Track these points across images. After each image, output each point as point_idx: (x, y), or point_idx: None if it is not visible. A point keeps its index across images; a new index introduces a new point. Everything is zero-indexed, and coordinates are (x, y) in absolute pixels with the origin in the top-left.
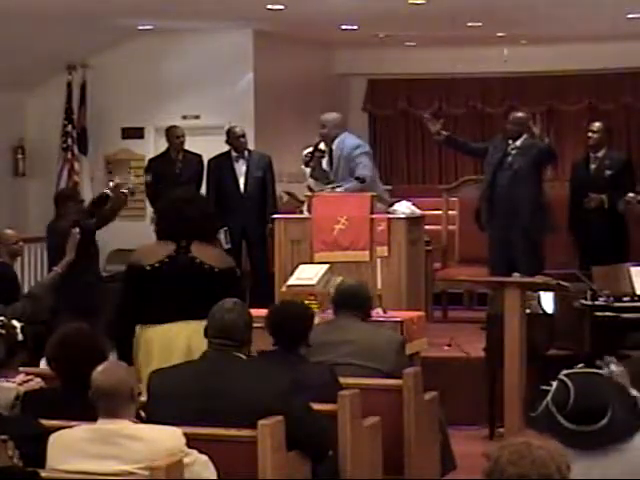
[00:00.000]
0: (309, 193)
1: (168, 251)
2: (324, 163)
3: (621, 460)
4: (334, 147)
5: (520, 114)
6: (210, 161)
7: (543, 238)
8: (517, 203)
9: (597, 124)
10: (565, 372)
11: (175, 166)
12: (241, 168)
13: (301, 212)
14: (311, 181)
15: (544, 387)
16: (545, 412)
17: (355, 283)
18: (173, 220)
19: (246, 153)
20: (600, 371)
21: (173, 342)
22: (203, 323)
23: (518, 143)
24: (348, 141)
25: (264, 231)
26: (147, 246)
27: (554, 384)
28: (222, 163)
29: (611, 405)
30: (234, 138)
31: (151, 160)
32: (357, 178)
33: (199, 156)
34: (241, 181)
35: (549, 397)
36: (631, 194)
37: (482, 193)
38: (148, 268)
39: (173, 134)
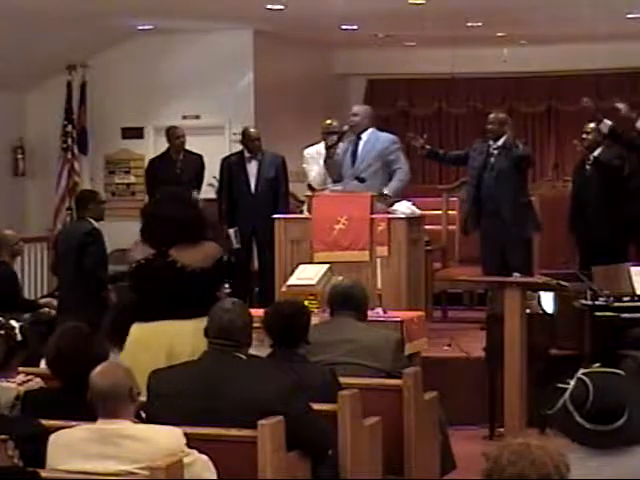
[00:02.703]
0: (309, 193)
1: (145, 253)
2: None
3: (634, 461)
4: (364, 137)
5: (499, 114)
6: (223, 160)
7: (530, 236)
8: (500, 203)
9: (591, 125)
10: (584, 371)
11: (175, 166)
12: (253, 169)
13: (301, 212)
14: (312, 180)
15: (561, 385)
16: (562, 410)
17: (350, 284)
18: (150, 227)
19: (259, 153)
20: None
21: (153, 341)
22: (188, 323)
23: (500, 143)
24: (384, 134)
25: (274, 231)
26: (138, 242)
27: (572, 382)
28: (234, 163)
29: (629, 406)
30: (249, 140)
31: (152, 160)
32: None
33: (200, 156)
34: (252, 181)
35: (567, 395)
36: None
37: (468, 196)
38: (134, 264)
39: (173, 134)
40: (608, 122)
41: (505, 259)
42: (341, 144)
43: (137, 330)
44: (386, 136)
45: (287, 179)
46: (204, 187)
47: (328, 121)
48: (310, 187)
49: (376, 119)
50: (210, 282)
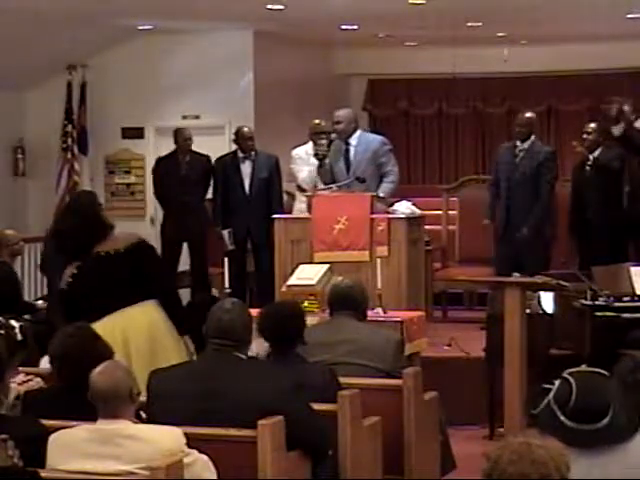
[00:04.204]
0: (298, 193)
1: (73, 269)
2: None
3: (620, 460)
4: (353, 142)
5: (526, 115)
6: (216, 161)
7: (548, 239)
8: (522, 207)
9: (591, 125)
10: (568, 371)
11: (181, 167)
12: (247, 169)
13: (291, 206)
14: (302, 181)
15: (546, 385)
16: (547, 410)
17: (350, 284)
18: (66, 242)
19: (252, 154)
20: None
21: (110, 336)
22: (137, 308)
23: (526, 145)
24: (372, 136)
25: (269, 232)
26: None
27: (556, 382)
28: (228, 163)
29: (612, 405)
30: (242, 139)
31: (158, 160)
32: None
33: (207, 157)
34: (246, 182)
35: (551, 395)
36: None
37: (493, 197)
38: (65, 287)
39: (181, 136)
40: (620, 126)
41: (520, 261)
42: (331, 148)
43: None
44: (376, 137)
45: (280, 179)
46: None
47: (317, 121)
48: (300, 188)
49: (376, 119)
50: (139, 262)
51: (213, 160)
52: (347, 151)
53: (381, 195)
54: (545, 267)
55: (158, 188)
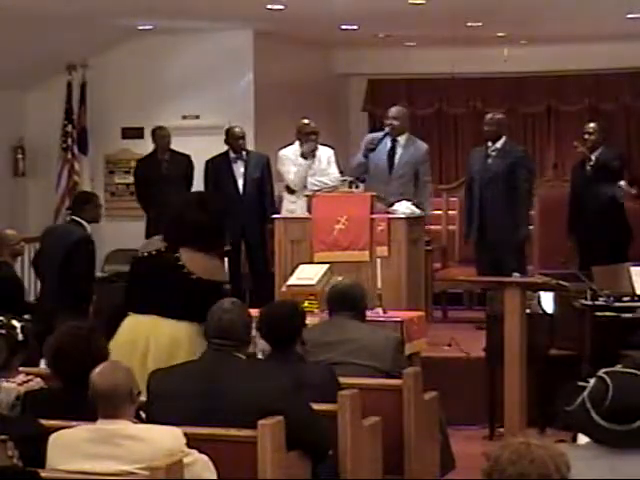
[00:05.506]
0: (287, 194)
1: (158, 247)
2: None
3: None
4: (401, 142)
5: (496, 115)
6: (208, 162)
7: (522, 240)
8: (493, 206)
9: (592, 125)
10: (605, 370)
11: (162, 167)
12: (239, 169)
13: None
14: (291, 182)
15: (581, 383)
16: (580, 408)
17: (348, 284)
18: (168, 221)
19: (244, 154)
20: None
21: (136, 334)
22: (171, 322)
23: (498, 145)
24: (420, 143)
25: (263, 232)
26: (153, 238)
27: (591, 381)
28: (220, 164)
29: None
30: (233, 139)
31: (139, 161)
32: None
33: (187, 156)
34: (239, 182)
35: (586, 393)
36: (622, 182)
37: (466, 201)
38: (139, 255)
39: (159, 135)
40: None
41: (499, 263)
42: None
43: (128, 320)
44: (422, 145)
45: (272, 179)
46: (194, 187)
47: (305, 121)
48: (288, 189)
49: (376, 119)
50: (204, 296)
51: (203, 161)
52: (393, 148)
53: (428, 210)
54: (521, 268)
55: (141, 190)
